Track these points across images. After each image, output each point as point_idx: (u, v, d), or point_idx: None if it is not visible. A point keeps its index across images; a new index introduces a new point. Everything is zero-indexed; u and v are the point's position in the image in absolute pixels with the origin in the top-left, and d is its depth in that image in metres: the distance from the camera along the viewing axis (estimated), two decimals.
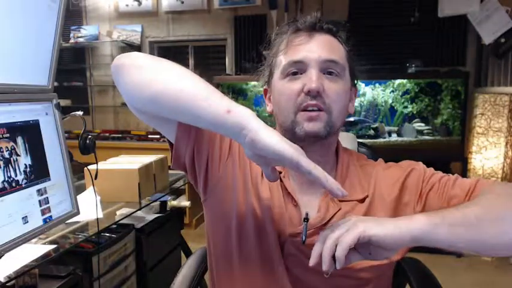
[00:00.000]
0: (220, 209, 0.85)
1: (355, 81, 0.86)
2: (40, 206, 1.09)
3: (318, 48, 0.78)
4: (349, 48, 0.84)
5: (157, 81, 0.68)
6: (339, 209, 0.80)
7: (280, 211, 0.81)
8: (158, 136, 4.10)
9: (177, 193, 2.76)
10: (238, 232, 0.82)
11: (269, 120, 0.85)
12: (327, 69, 0.78)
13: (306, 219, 0.79)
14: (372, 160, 0.91)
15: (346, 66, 0.81)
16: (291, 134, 0.79)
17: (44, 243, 1.39)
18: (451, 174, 0.83)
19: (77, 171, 1.37)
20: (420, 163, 0.87)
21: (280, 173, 0.83)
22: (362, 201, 0.82)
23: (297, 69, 0.78)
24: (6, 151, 1.00)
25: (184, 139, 0.81)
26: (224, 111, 0.61)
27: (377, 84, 3.34)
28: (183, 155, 0.83)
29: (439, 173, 0.83)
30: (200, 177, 0.85)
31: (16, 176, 1.02)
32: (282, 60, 0.81)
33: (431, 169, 0.85)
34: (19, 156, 1.04)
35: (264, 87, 0.89)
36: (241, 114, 0.61)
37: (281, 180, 0.83)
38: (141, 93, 0.70)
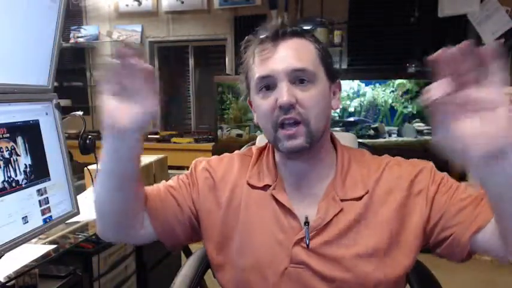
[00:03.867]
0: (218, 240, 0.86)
1: (336, 77, 0.83)
2: (40, 206, 1.09)
3: (284, 58, 0.76)
4: (321, 45, 0.81)
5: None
6: (341, 209, 0.78)
7: (279, 225, 0.80)
8: (158, 136, 4.10)
9: None
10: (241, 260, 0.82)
11: None
12: (297, 78, 0.76)
13: (307, 222, 0.78)
14: (377, 156, 0.89)
15: (319, 68, 0.78)
16: (276, 148, 0.81)
17: (44, 243, 1.39)
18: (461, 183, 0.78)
19: (77, 171, 1.38)
20: (430, 163, 0.84)
21: (270, 186, 0.83)
22: (361, 198, 0.79)
23: (268, 83, 0.77)
24: (6, 151, 1.00)
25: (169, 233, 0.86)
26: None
27: (377, 84, 3.34)
28: (181, 240, 0.89)
29: (447, 177, 0.80)
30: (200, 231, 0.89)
31: (16, 176, 1.02)
32: (254, 74, 0.79)
33: (440, 174, 0.81)
34: (19, 156, 1.04)
35: (248, 98, 0.88)
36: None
37: (272, 195, 0.82)
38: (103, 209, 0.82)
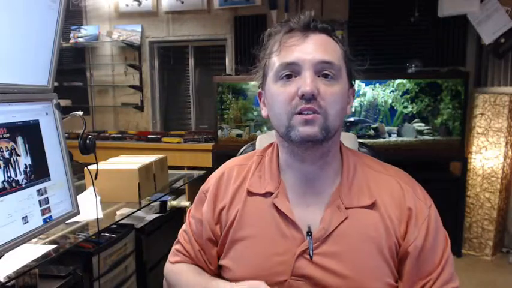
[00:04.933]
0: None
1: (353, 82, 0.82)
2: (40, 206, 1.09)
3: (312, 49, 0.74)
4: (345, 47, 0.80)
5: None
6: (346, 218, 0.76)
7: (281, 234, 0.78)
8: (158, 136, 4.10)
9: (177, 193, 2.76)
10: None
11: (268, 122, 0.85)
12: (322, 71, 0.74)
13: (310, 233, 0.76)
14: (382, 164, 0.87)
15: (343, 67, 0.77)
16: (286, 139, 0.77)
17: (44, 243, 1.39)
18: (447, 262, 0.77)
19: (77, 171, 1.38)
20: (432, 209, 0.80)
21: (272, 193, 0.81)
22: (371, 207, 0.77)
23: (291, 71, 0.74)
24: (6, 151, 1.00)
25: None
26: None
27: (377, 84, 3.34)
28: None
29: (438, 249, 0.77)
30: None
31: (16, 176, 1.02)
32: (275, 62, 0.76)
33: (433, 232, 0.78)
34: (19, 156, 1.04)
35: (259, 90, 0.86)
36: None
37: (273, 204, 0.80)
38: None
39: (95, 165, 1.49)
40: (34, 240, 1.26)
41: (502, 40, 3.17)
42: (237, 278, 0.79)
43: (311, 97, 0.72)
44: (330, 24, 0.79)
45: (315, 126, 0.73)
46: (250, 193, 0.83)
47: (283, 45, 0.76)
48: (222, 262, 0.85)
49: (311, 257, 0.75)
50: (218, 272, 0.88)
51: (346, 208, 0.77)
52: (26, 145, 1.06)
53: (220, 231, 0.85)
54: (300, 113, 0.73)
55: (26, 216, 1.04)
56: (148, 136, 4.13)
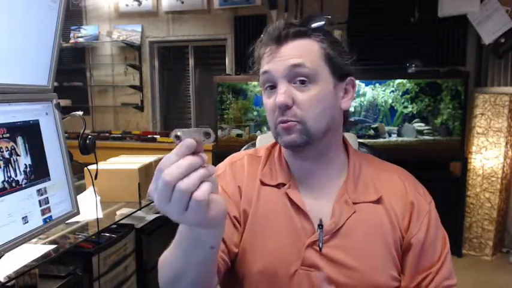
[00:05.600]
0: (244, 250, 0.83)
1: (346, 76, 0.80)
2: (40, 206, 1.09)
3: (284, 57, 0.76)
4: (327, 44, 0.78)
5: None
6: (353, 212, 0.79)
7: (291, 225, 0.80)
8: (158, 136, 4.11)
9: None
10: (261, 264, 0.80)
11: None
12: (296, 77, 0.75)
13: (321, 225, 0.78)
14: (386, 163, 0.89)
15: (323, 68, 0.77)
16: (277, 143, 0.83)
17: (44, 243, 1.39)
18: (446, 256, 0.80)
19: (77, 171, 1.38)
20: (432, 206, 0.83)
21: (284, 185, 0.83)
22: (377, 202, 0.80)
23: (270, 83, 0.79)
24: (6, 151, 1.00)
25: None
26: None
27: (377, 84, 3.34)
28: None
29: (437, 245, 0.80)
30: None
31: (16, 176, 1.02)
32: (260, 73, 0.81)
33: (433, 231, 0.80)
34: (19, 156, 1.04)
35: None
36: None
37: (286, 194, 0.82)
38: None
39: (95, 165, 1.49)
40: (34, 240, 1.26)
41: (502, 40, 3.17)
42: (251, 269, 0.80)
43: (286, 107, 0.75)
44: (308, 24, 0.79)
45: (292, 134, 0.76)
46: (263, 183, 0.85)
47: (262, 56, 0.80)
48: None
49: (320, 249, 0.77)
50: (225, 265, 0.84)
51: (354, 203, 0.80)
52: (26, 145, 1.06)
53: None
54: (280, 122, 0.77)
55: (26, 216, 1.04)
56: (148, 136, 4.14)
